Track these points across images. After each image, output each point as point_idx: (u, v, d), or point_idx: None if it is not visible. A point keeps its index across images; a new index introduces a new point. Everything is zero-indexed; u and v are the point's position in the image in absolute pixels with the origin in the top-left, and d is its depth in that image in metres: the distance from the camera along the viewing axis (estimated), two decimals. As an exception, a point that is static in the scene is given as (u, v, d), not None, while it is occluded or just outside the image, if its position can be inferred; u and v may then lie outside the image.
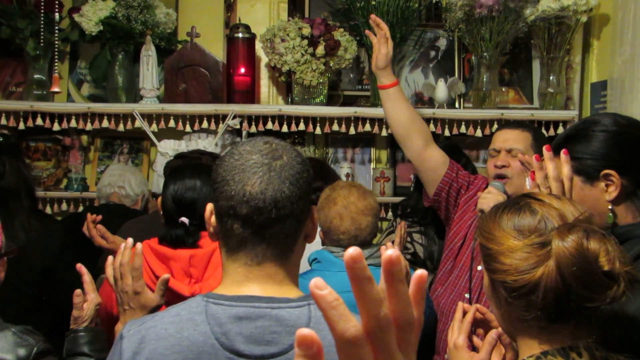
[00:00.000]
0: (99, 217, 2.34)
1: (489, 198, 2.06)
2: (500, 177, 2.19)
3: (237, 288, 1.12)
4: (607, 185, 1.37)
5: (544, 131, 3.09)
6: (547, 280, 1.01)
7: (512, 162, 2.18)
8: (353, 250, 0.47)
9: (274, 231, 1.10)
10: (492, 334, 1.28)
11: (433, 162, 2.35)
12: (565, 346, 1.05)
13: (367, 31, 2.49)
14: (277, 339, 1.06)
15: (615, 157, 1.38)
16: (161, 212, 1.94)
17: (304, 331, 0.47)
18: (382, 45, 2.35)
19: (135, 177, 3.00)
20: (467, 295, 2.15)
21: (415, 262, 2.64)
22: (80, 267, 1.69)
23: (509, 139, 2.22)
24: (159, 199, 1.98)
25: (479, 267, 2.15)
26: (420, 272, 0.52)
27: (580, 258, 0.99)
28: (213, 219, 1.17)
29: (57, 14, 2.48)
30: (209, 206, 1.18)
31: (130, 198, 2.93)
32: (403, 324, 0.50)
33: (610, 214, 1.36)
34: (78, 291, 1.66)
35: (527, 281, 1.03)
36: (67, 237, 2.49)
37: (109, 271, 1.62)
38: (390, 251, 0.49)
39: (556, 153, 1.38)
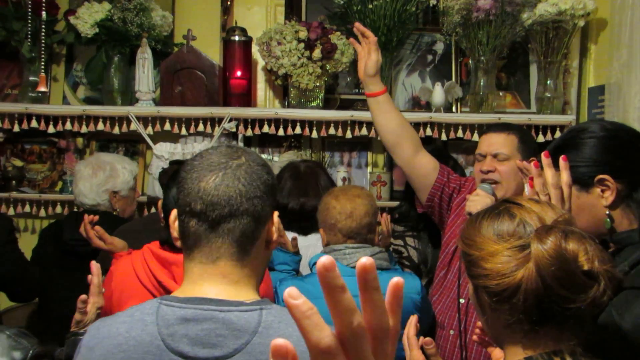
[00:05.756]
0: (96, 218, 2.26)
1: (477, 200, 2.06)
2: (487, 181, 2.18)
3: (192, 288, 1.13)
4: (602, 191, 1.36)
5: (541, 136, 3.09)
6: (527, 283, 1.02)
7: (498, 167, 2.16)
8: (325, 259, 0.47)
9: (228, 227, 1.11)
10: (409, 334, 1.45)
11: (424, 169, 2.34)
12: (549, 351, 1.05)
13: (351, 39, 2.46)
14: (223, 342, 1.06)
15: (608, 162, 1.37)
16: (161, 215, 1.92)
17: (279, 341, 0.46)
18: (372, 52, 2.31)
19: (89, 181, 2.71)
20: (461, 301, 2.14)
21: (408, 266, 2.64)
22: (96, 266, 1.69)
23: (494, 143, 2.20)
24: (160, 202, 1.97)
25: None
26: (397, 280, 0.51)
27: (559, 259, 1.00)
28: (176, 223, 1.19)
29: (44, 12, 2.46)
30: (173, 212, 1.19)
31: (101, 205, 2.72)
32: (378, 332, 0.50)
33: (608, 219, 1.35)
34: (83, 296, 1.66)
35: (508, 284, 1.03)
36: (12, 235, 2.57)
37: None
38: (364, 259, 0.48)
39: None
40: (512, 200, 1.15)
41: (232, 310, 1.08)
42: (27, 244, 2.80)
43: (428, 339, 1.46)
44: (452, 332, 2.17)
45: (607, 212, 1.35)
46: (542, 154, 1.38)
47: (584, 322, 1.04)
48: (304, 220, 2.44)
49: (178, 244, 1.20)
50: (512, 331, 1.08)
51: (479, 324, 1.34)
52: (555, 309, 1.02)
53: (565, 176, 1.33)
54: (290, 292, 0.47)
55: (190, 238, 1.14)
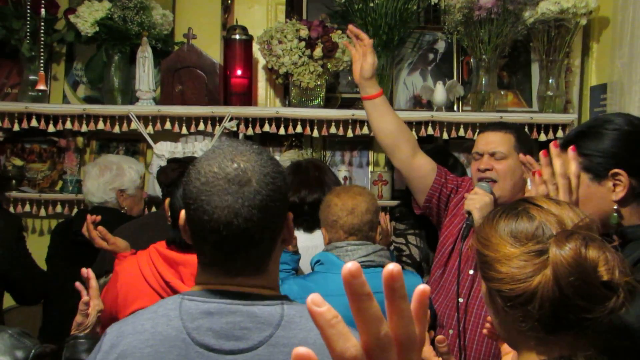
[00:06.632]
0: (99, 218, 2.27)
1: (476, 199, 2.06)
2: (485, 180, 2.17)
3: (212, 287, 1.14)
4: (614, 185, 1.34)
5: (542, 135, 3.08)
6: (543, 290, 0.97)
7: (495, 165, 2.16)
8: (352, 265, 0.45)
9: (245, 254, 1.11)
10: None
11: (422, 171, 2.33)
12: (564, 355, 1.01)
13: (345, 42, 2.44)
14: (247, 335, 1.07)
15: (626, 157, 1.35)
16: (168, 214, 1.91)
17: (301, 350, 0.45)
18: (368, 55, 2.28)
19: (96, 180, 2.82)
20: (460, 300, 2.13)
21: (410, 263, 2.64)
22: (89, 272, 1.68)
23: (492, 142, 2.19)
24: (167, 201, 1.96)
25: (471, 272, 2.13)
26: (423, 287, 0.49)
27: (578, 267, 0.96)
28: (187, 226, 1.16)
29: (43, 11, 2.46)
30: (182, 215, 1.17)
31: (109, 202, 2.83)
32: (405, 342, 0.48)
33: (615, 214, 1.33)
34: (85, 298, 1.65)
35: (523, 290, 0.99)
36: (20, 233, 2.65)
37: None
38: (391, 265, 0.47)
39: (565, 149, 1.36)
40: (532, 200, 1.10)
41: (255, 303, 1.09)
42: (27, 243, 2.80)
43: (441, 337, 1.44)
44: (451, 331, 2.16)
45: (615, 207, 1.34)
46: (551, 144, 1.36)
47: (601, 330, 1.00)
48: (305, 214, 2.42)
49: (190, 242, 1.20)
50: (525, 337, 1.04)
51: (490, 317, 1.32)
52: (571, 318, 0.98)
53: (573, 167, 1.32)
54: (314, 299, 0.45)
55: (206, 257, 1.14)
